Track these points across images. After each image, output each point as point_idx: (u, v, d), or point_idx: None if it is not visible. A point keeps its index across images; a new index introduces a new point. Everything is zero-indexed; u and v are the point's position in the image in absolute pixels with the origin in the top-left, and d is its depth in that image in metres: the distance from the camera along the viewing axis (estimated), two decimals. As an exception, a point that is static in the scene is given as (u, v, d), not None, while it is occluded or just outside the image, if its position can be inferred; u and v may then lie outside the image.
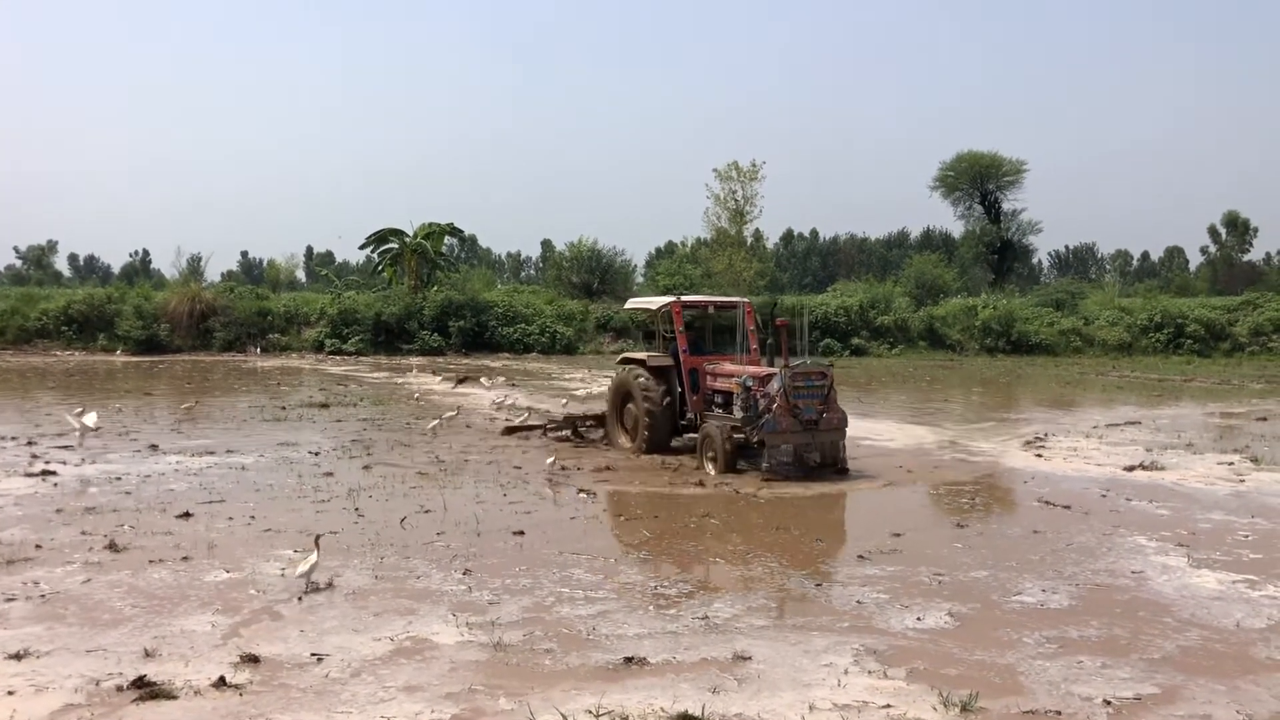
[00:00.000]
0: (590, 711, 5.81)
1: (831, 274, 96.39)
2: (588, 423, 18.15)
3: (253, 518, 11.19)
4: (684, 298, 16.45)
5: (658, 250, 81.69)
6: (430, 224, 56.00)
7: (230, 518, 11.18)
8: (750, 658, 6.77)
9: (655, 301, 17.16)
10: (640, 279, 68.03)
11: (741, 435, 13.96)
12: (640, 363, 16.34)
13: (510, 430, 18.33)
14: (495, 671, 6.53)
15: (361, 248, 58.15)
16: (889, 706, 5.94)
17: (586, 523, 11.31)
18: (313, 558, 8.65)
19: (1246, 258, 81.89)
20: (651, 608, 7.96)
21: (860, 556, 9.64)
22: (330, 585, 8.51)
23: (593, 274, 59.24)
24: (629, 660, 6.70)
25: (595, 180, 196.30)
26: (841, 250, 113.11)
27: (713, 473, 14.03)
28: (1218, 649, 7.11)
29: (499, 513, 11.66)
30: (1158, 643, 7.21)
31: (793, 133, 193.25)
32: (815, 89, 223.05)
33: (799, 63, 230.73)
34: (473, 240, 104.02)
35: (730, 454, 13.99)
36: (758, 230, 59.52)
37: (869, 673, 6.52)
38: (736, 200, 52.81)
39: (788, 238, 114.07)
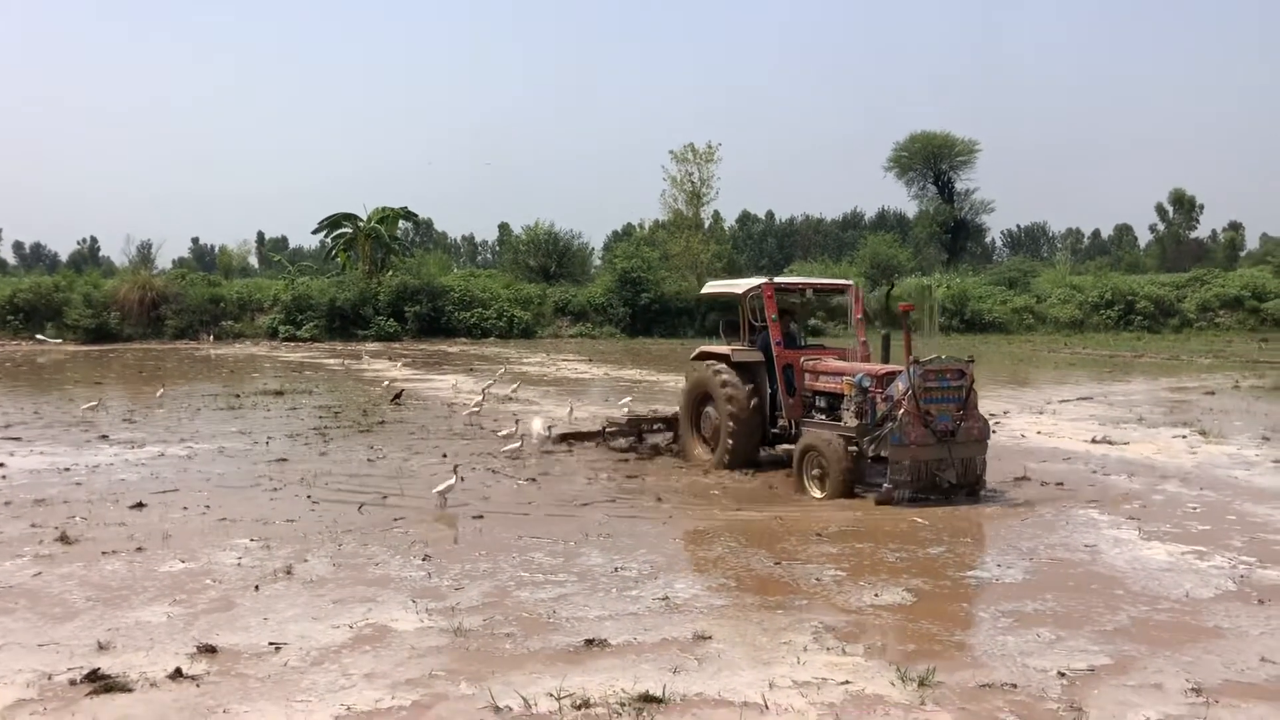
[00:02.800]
0: (552, 694, 5.81)
1: (788, 255, 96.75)
2: (655, 425, 15.64)
3: (207, 507, 11.06)
4: (777, 279, 13.47)
5: (615, 233, 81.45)
6: (384, 208, 55.54)
7: (184, 507, 11.04)
8: (710, 637, 6.80)
9: (741, 284, 13.93)
10: (598, 262, 67.90)
11: (855, 448, 11.23)
12: (722, 358, 13.37)
13: (563, 438, 15.65)
14: (456, 657, 6.51)
15: (314, 232, 57.71)
16: (847, 683, 5.99)
17: (545, 507, 11.30)
18: (451, 480, 11.08)
19: (1194, 235, 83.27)
20: (615, 590, 7.96)
21: (817, 534, 9.69)
22: (288, 573, 8.44)
23: (550, 257, 59.07)
24: (590, 642, 6.71)
25: (552, 163, 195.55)
26: (798, 232, 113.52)
27: (819, 496, 11.28)
28: (1168, 620, 7.24)
29: (459, 497, 11.61)
30: (1110, 615, 7.32)
31: (749, 114, 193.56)
32: (771, 70, 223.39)
33: (754, 45, 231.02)
34: (428, 224, 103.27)
35: (847, 473, 11.09)
36: (715, 212, 59.63)
37: (828, 649, 6.57)
38: (693, 182, 52.84)
39: (744, 219, 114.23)
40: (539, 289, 52.95)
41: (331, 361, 35.35)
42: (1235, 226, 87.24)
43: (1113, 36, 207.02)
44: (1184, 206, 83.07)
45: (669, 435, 15.15)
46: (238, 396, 22.81)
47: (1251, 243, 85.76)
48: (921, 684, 5.93)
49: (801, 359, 12.70)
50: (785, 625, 7.07)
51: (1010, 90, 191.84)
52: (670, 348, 42.92)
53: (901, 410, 10.68)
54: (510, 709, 5.67)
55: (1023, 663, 6.34)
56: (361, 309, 48.13)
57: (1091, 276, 58.36)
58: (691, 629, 6.95)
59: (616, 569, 8.54)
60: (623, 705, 5.69)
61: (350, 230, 54.96)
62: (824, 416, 12.11)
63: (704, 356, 13.90)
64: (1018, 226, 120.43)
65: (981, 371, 31.51)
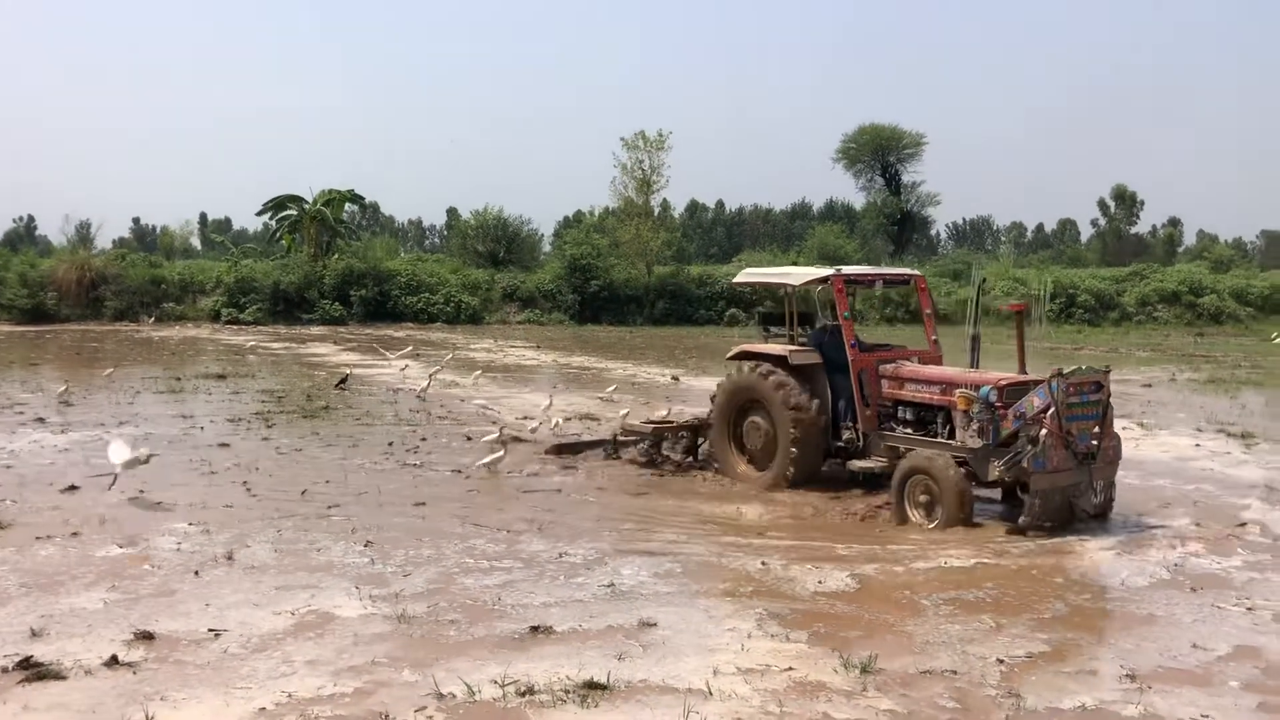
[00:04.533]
0: (496, 681, 5.79)
1: (737, 244, 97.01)
2: (681, 434, 13.06)
3: (141, 491, 10.86)
4: (846, 270, 11.64)
5: (566, 219, 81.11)
6: (330, 190, 54.78)
7: (122, 491, 10.83)
8: (656, 624, 6.81)
9: (796, 274, 12.05)
10: (547, 248, 67.64)
11: (966, 469, 9.76)
12: (775, 360, 11.36)
13: (558, 450, 13.40)
14: (399, 644, 6.47)
15: (259, 214, 56.77)
16: (791, 669, 6.04)
17: (487, 494, 11.22)
18: (500, 452, 11.53)
19: (1134, 230, 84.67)
20: (561, 576, 7.94)
21: (759, 534, 9.56)
22: (229, 559, 8.32)
23: (499, 243, 58.66)
24: (535, 629, 6.69)
25: (502, 149, 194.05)
26: (746, 221, 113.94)
27: (929, 526, 9.61)
28: (1104, 608, 7.38)
29: (401, 484, 11.52)
30: (1049, 603, 7.45)
31: (700, 104, 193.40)
32: (723, 60, 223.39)
33: (706, 33, 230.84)
34: (374, 208, 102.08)
35: (965, 502, 9.52)
36: (665, 200, 59.61)
37: (771, 636, 6.62)
38: (643, 170, 52.63)
39: (693, 208, 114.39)
40: (487, 275, 52.56)
41: (276, 345, 34.91)
42: (1174, 222, 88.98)
43: (1056, 31, 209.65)
44: (1125, 202, 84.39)
45: (684, 444, 12.98)
46: (179, 380, 22.43)
47: (1189, 239, 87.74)
48: (864, 671, 6.00)
49: (877, 363, 11.04)
50: (730, 612, 7.11)
51: (957, 84, 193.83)
52: (619, 335, 42.86)
53: (1044, 431, 9.24)
54: (453, 696, 5.64)
55: (963, 649, 6.44)
56: (306, 292, 47.48)
57: (1034, 270, 59.21)
58: (637, 616, 6.96)
59: (560, 555, 8.51)
60: (567, 692, 5.69)
61: (295, 212, 54.16)
62: (910, 431, 10.56)
63: (746, 356, 11.92)
64: (963, 219, 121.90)
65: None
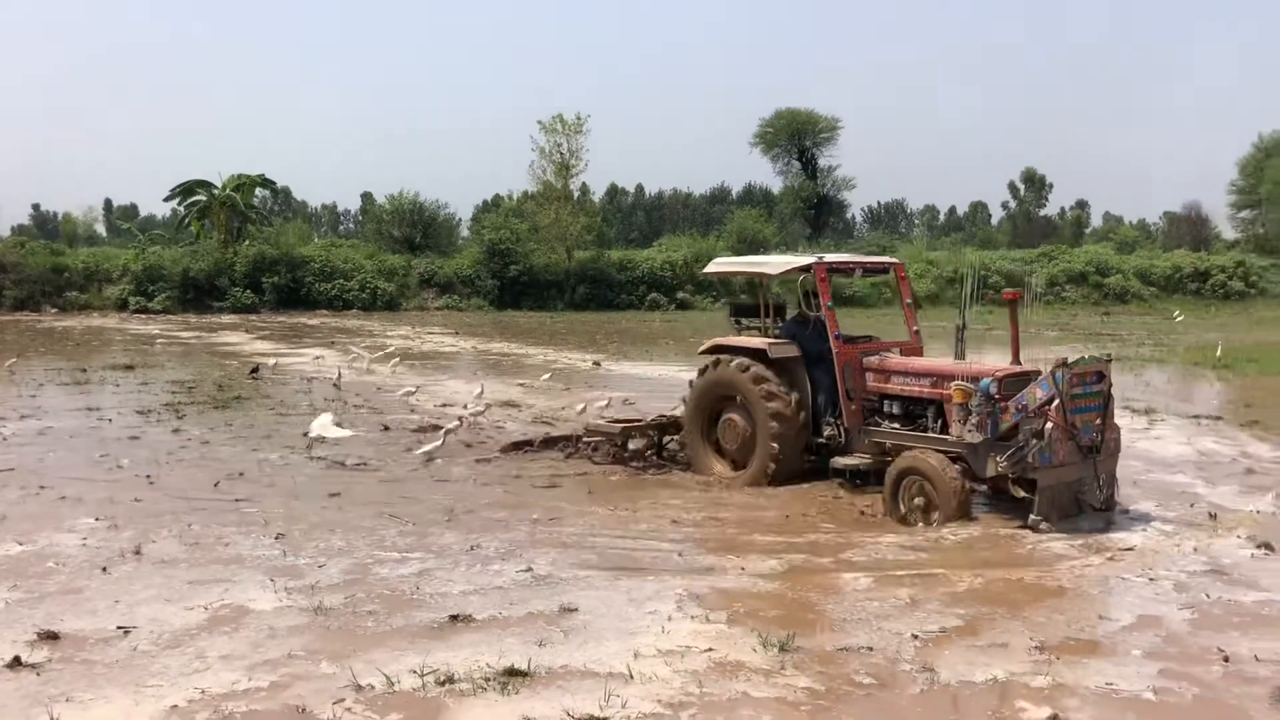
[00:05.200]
0: (415, 671, 5.74)
1: (657, 229, 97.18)
2: (649, 432, 12.36)
3: (41, 487, 10.52)
4: (828, 257, 11.09)
5: (484, 203, 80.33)
6: (240, 175, 53.61)
7: (21, 487, 10.50)
8: (576, 609, 6.81)
9: (773, 262, 11.53)
10: (466, 233, 67.04)
11: (961, 465, 9.33)
12: (753, 353, 10.90)
13: (515, 446, 12.77)
14: (316, 636, 6.37)
15: (166, 200, 55.36)
16: (711, 650, 6.08)
17: (404, 483, 11.10)
18: (439, 441, 11.83)
19: (1043, 212, 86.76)
20: (477, 565, 7.88)
21: (673, 521, 9.46)
22: (137, 554, 8.11)
23: (415, 228, 57.96)
24: (455, 618, 6.64)
25: (419, 132, 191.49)
26: (666, 205, 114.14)
27: (921, 525, 9.20)
28: (1015, 583, 7.56)
29: (315, 475, 11.34)
30: (964, 578, 7.60)
31: (619, 88, 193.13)
32: (642, 42, 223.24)
33: (625, 18, 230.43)
34: (286, 193, 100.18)
35: (963, 501, 9.11)
36: (584, 184, 59.42)
37: (692, 618, 6.66)
38: (562, 154, 52.40)
39: (613, 192, 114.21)
40: (404, 260, 51.93)
41: (186, 334, 34.08)
42: (1082, 205, 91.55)
43: (964, 16, 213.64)
44: (1034, 185, 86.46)
45: (646, 442, 12.26)
46: (84, 371, 21.77)
47: (1096, 221, 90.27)
48: (782, 649, 6.07)
49: (861, 355, 10.58)
50: (651, 595, 7.13)
51: (871, 68, 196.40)
52: (539, 320, 42.70)
53: (1048, 424, 8.89)
54: (372, 687, 5.58)
55: (879, 626, 6.54)
56: (217, 280, 46.45)
57: (947, 252, 60.39)
58: (557, 602, 6.95)
59: (472, 547, 8.41)
60: (488, 680, 5.66)
61: (204, 198, 52.88)
62: (897, 426, 10.15)
63: (719, 350, 11.31)
64: (878, 203, 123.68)
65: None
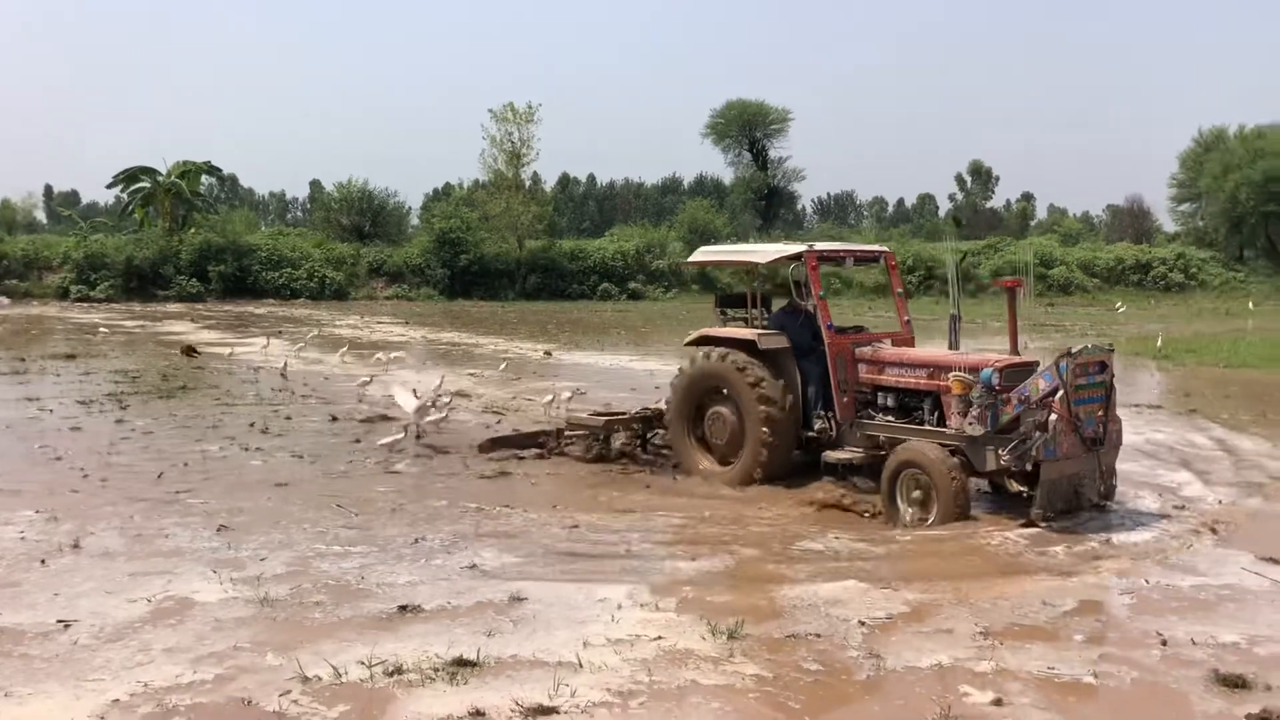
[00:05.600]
0: (363, 662, 5.70)
1: (608, 219, 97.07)
2: (633, 426, 12.02)
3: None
4: (819, 245, 10.70)
5: (435, 192, 79.71)
6: (185, 162, 52.81)
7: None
8: (526, 599, 6.80)
9: (762, 251, 11.22)
10: (416, 222, 66.55)
11: (960, 458, 8.99)
12: (741, 345, 10.49)
13: (495, 444, 12.10)
14: (262, 628, 6.29)
15: (109, 187, 54.39)
16: (660, 638, 6.10)
17: (349, 475, 10.99)
18: (400, 434, 11.71)
19: (989, 204, 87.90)
20: (422, 559, 7.81)
21: (624, 511, 9.45)
22: (76, 546, 7.97)
23: (364, 216, 57.44)
24: (403, 609, 6.60)
25: (369, 120, 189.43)
26: (618, 195, 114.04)
27: (926, 524, 8.85)
28: (962, 570, 7.64)
29: (260, 466, 11.21)
30: (912, 565, 7.69)
31: (570, 77, 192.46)
32: (594, 34, 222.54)
33: (577, 7, 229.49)
34: (233, 180, 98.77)
35: (961, 495, 8.79)
36: (535, 173, 59.21)
37: (641, 606, 6.67)
38: (513, 142, 52.19)
39: (565, 181, 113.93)
40: (353, 249, 51.46)
41: (130, 323, 33.51)
42: (1027, 197, 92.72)
43: (914, 11, 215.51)
44: (981, 177, 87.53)
45: (627, 436, 11.96)
46: (23, 360, 21.32)
47: (1041, 213, 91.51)
48: (731, 637, 6.10)
49: (853, 346, 10.21)
50: (600, 585, 7.11)
51: (822, 61, 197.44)
52: (490, 310, 42.53)
53: (1052, 416, 8.60)
54: (319, 678, 5.53)
55: (826, 612, 6.60)
56: (161, 268, 45.75)
57: (894, 244, 60.90)
58: (506, 592, 6.92)
59: (417, 539, 8.33)
60: (436, 670, 5.63)
61: (149, 185, 52.02)
62: (891, 418, 9.84)
63: (706, 341, 10.95)
64: (828, 194, 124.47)
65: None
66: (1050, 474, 8.60)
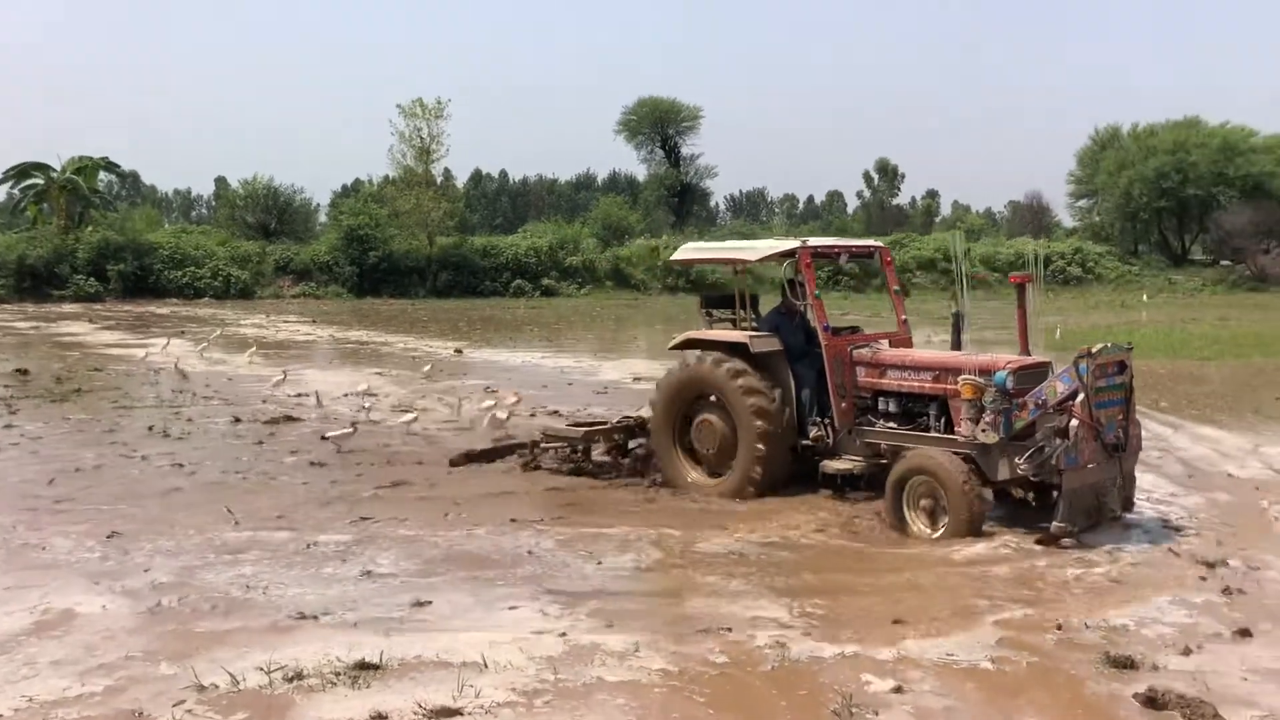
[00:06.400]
0: (261, 668, 5.56)
1: (521, 215, 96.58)
2: (616, 435, 11.15)
3: None
4: (812, 241, 10.08)
5: (344, 189, 78.38)
6: (82, 158, 51.19)
7: None
8: (427, 602, 6.71)
9: (755, 248, 10.46)
10: (324, 219, 65.41)
11: (971, 466, 8.39)
12: (732, 348, 9.79)
13: (468, 458, 11.27)
14: (153, 637, 6.09)
15: (-1, 184, 52.34)
16: (564, 636, 6.06)
17: (247, 479, 10.71)
18: (350, 429, 12.10)
19: (896, 201, 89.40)
20: (314, 566, 7.62)
21: (536, 523, 8.94)
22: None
23: (270, 213, 56.31)
24: (301, 615, 6.44)
25: (275, 115, 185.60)
26: (531, 191, 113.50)
27: (932, 535, 8.29)
28: (870, 564, 7.72)
29: (155, 471, 10.89)
30: (829, 561, 7.76)
31: (481, 73, 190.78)
32: (506, 28, 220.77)
33: (488, 2, 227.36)
34: (134, 176, 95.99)
35: (976, 505, 8.19)
36: (447, 170, 58.68)
37: (545, 608, 6.59)
38: (422, 138, 51.60)
39: (477, 178, 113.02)
40: (258, 247, 50.37)
41: (23, 324, 32.34)
42: (932, 194, 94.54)
43: (821, 10, 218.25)
44: (887, 175, 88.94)
45: (606, 447, 11.16)
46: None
47: (946, 209, 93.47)
48: (636, 634, 6.06)
49: (850, 348, 9.60)
50: (504, 590, 7.00)
51: (732, 59, 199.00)
52: (400, 308, 42.00)
53: (1073, 421, 8.06)
54: (216, 687, 5.38)
55: (734, 609, 6.57)
56: (57, 267, 44.25)
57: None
58: (406, 596, 6.80)
59: (309, 545, 8.12)
60: (338, 674, 5.53)
61: (42, 181, 50.29)
62: (894, 425, 9.24)
63: (693, 345, 10.31)
64: (740, 191, 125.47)
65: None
66: (1072, 483, 8.02)
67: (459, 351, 24.26)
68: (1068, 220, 72.06)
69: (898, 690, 5.37)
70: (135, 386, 17.68)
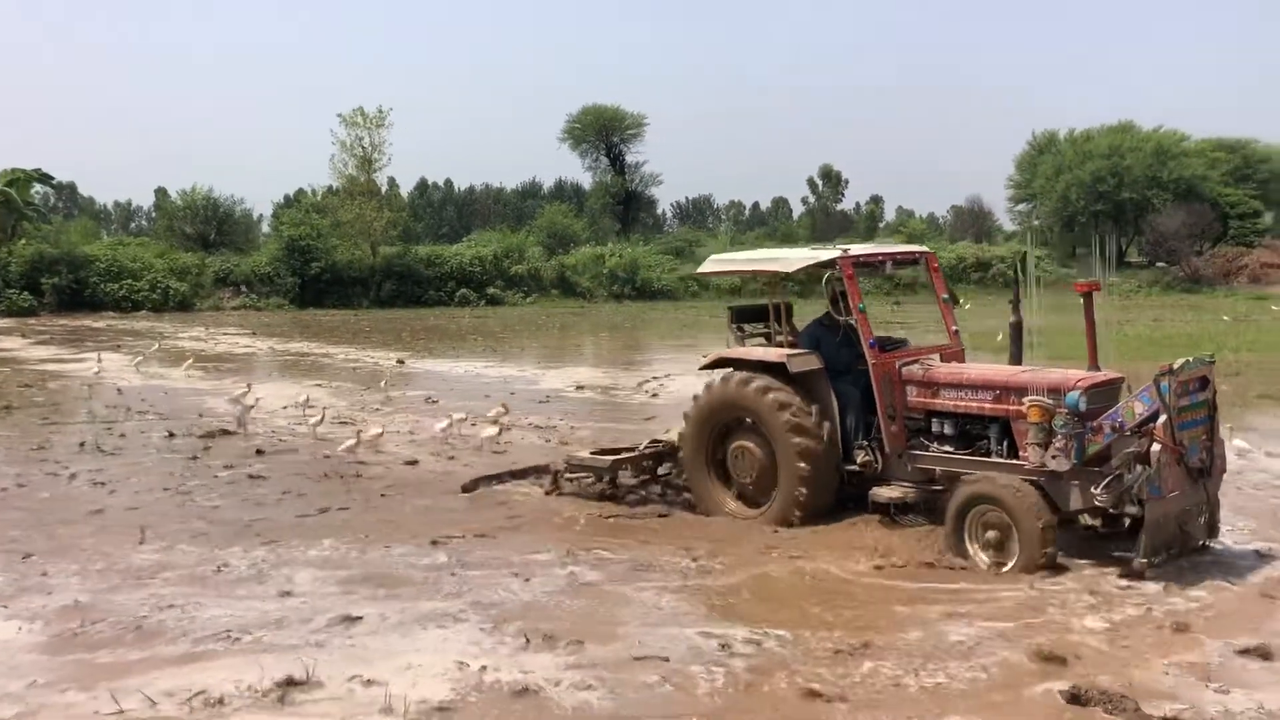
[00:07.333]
0: (181, 691, 5.42)
1: (467, 224, 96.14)
2: (645, 462, 10.34)
3: None
4: (854, 249, 9.41)
5: (286, 199, 77.46)
6: (14, 170, 50.10)
7: None
8: (364, 614, 6.62)
9: (791, 258, 9.78)
10: (266, 229, 64.60)
11: (1040, 494, 7.67)
12: (768, 368, 9.04)
13: (482, 482, 10.51)
14: (65, 664, 5.92)
15: (-72, 196, 51.01)
16: (496, 658, 5.95)
17: (175, 496, 10.49)
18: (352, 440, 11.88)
19: (840, 207, 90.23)
20: (229, 585, 7.45)
21: (444, 539, 8.68)
22: None
23: (209, 224, 55.52)
24: (228, 635, 6.31)
25: (214, 123, 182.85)
26: (477, 200, 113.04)
27: (1003, 570, 7.59)
28: (811, 584, 7.63)
29: (74, 491, 10.65)
30: (765, 586, 7.57)
31: (427, 81, 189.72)
32: (449, 38, 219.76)
33: (432, 10, 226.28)
34: (70, 188, 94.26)
35: (1051, 537, 7.48)
36: (391, 179, 58.23)
37: (478, 629, 6.46)
38: (364, 147, 51.17)
39: (423, 187, 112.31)
40: (197, 258, 49.59)
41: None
42: (876, 200, 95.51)
43: (763, 21, 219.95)
44: (832, 181, 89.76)
45: (637, 472, 10.36)
46: None
47: (890, 215, 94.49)
48: (568, 654, 5.99)
49: (899, 365, 8.81)
50: (431, 607, 6.88)
51: (677, 67, 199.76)
52: (343, 318, 41.57)
53: (1155, 446, 7.30)
54: (127, 712, 5.23)
55: (666, 630, 6.41)
56: (-12, 282, 43.26)
57: (750, 246, 62.01)
58: (327, 616, 6.66)
59: (219, 567, 7.89)
60: (265, 694, 5.44)
61: (-28, 194, 49.14)
62: (950, 449, 8.49)
63: (725, 364, 9.50)
64: (686, 198, 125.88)
65: (653, 334, 32.87)
66: (1155, 514, 7.30)
67: (401, 362, 24.04)
68: (1008, 224, 73.28)
69: (842, 699, 5.39)
70: (68, 402, 17.30)
